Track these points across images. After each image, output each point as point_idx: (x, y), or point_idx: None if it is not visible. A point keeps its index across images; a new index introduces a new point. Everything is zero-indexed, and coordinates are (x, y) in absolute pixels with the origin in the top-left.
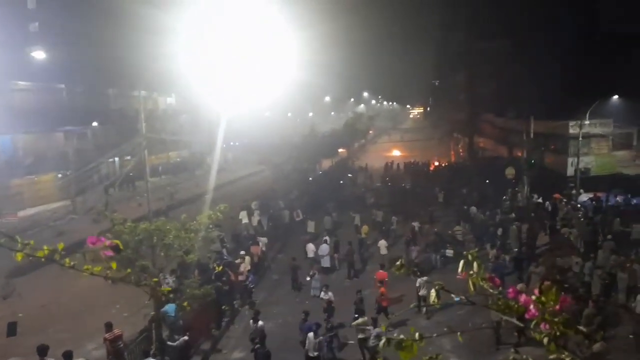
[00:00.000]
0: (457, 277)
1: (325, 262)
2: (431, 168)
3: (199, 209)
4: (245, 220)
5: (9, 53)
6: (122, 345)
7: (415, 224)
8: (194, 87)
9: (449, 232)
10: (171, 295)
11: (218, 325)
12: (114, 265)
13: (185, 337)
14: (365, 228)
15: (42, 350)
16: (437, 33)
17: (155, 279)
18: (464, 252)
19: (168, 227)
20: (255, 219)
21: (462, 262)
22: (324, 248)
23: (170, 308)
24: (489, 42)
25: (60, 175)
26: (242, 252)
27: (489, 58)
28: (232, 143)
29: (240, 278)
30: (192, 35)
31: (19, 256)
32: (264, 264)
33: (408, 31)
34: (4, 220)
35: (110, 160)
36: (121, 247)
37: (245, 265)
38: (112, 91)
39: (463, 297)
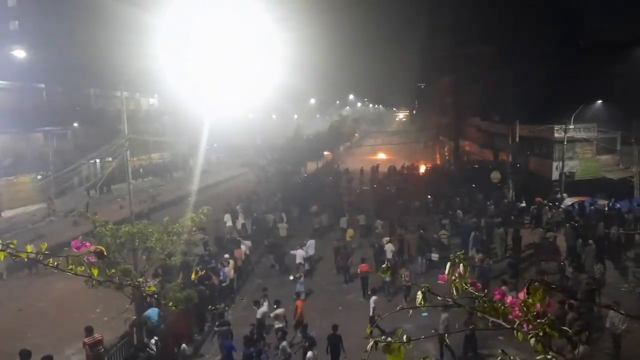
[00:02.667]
0: (439, 281)
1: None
2: (416, 172)
3: (182, 212)
4: (229, 224)
5: None
6: (102, 350)
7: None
8: (177, 88)
9: (435, 235)
10: (154, 298)
11: (200, 329)
12: (95, 272)
13: (155, 339)
14: (350, 232)
15: (25, 355)
16: (423, 37)
17: (140, 278)
18: (450, 256)
19: (150, 230)
20: (239, 222)
21: (448, 265)
22: (300, 253)
23: (152, 312)
24: (474, 47)
25: (39, 177)
26: (226, 256)
27: (474, 62)
28: (215, 145)
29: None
30: (175, 35)
31: (0, 255)
32: (248, 267)
33: (394, 34)
34: None
35: (91, 161)
36: (105, 253)
37: (229, 269)
38: (94, 91)
39: (449, 299)
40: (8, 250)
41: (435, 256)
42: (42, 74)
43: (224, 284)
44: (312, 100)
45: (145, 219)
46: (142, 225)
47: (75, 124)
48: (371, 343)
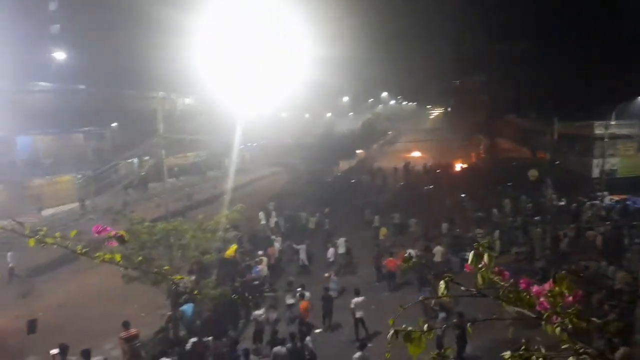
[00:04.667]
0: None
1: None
2: (451, 170)
3: (216, 210)
4: (263, 221)
5: (30, 54)
6: (138, 344)
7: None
8: (212, 87)
9: (470, 234)
10: (189, 294)
11: (235, 326)
12: (118, 257)
13: (195, 339)
14: (383, 230)
15: (64, 349)
16: (459, 33)
17: (180, 277)
18: (474, 245)
19: (185, 227)
20: (272, 220)
21: (471, 254)
22: (331, 251)
23: (187, 308)
24: (511, 42)
25: (79, 176)
26: (260, 253)
27: (511, 58)
28: (249, 144)
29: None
30: (209, 35)
31: (31, 242)
32: (281, 265)
33: (429, 30)
34: (25, 220)
35: (129, 160)
36: (126, 238)
37: (262, 266)
38: (131, 92)
39: (473, 289)
40: (37, 237)
41: (468, 255)
42: (82, 76)
43: (256, 282)
44: (345, 98)
45: (181, 217)
46: (177, 223)
47: (113, 124)
48: (391, 332)
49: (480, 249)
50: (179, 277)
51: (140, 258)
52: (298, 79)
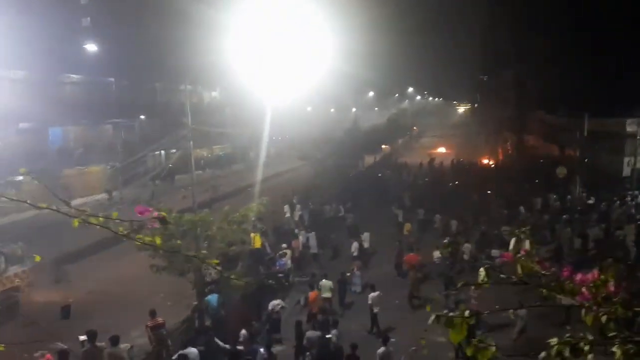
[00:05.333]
0: (497, 260)
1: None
2: (477, 166)
3: (242, 202)
4: (288, 215)
5: (62, 47)
6: (164, 332)
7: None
8: (238, 80)
9: (496, 232)
10: (212, 286)
11: (258, 317)
12: (158, 240)
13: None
14: (407, 226)
15: (92, 335)
16: (486, 27)
17: (216, 261)
18: (515, 231)
19: (211, 219)
20: (297, 214)
21: (513, 240)
22: (355, 245)
23: (212, 298)
24: (541, 37)
25: (108, 167)
26: (284, 246)
27: (540, 53)
28: (274, 137)
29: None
30: (236, 28)
31: (75, 222)
32: (305, 258)
33: (455, 25)
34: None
35: (156, 152)
36: (168, 219)
37: (287, 259)
38: (159, 85)
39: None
40: (82, 217)
41: (495, 252)
42: (112, 69)
43: (281, 275)
44: (371, 93)
45: (207, 209)
46: (204, 214)
47: (142, 117)
48: (432, 317)
49: (522, 235)
50: (215, 261)
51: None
52: (324, 73)
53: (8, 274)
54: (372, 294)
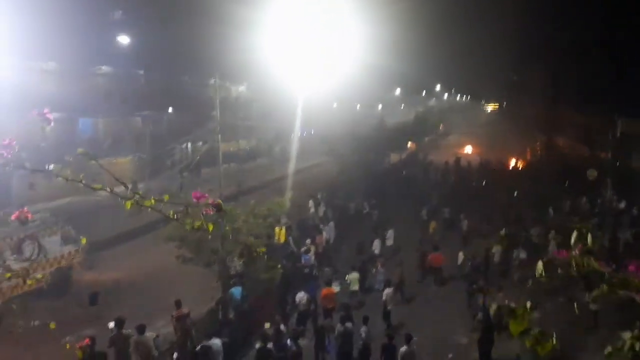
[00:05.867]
0: (549, 256)
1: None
2: (505, 166)
3: (267, 196)
4: (312, 210)
5: (94, 39)
6: (190, 323)
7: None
8: (265, 76)
9: (524, 233)
10: (237, 279)
11: (282, 311)
12: (210, 227)
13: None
14: (432, 224)
15: (120, 323)
16: (516, 24)
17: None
18: (577, 227)
19: (238, 212)
20: (321, 210)
21: (574, 234)
22: (376, 243)
23: (236, 291)
24: (572, 35)
25: (136, 158)
26: (308, 241)
27: (571, 52)
28: (299, 133)
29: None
30: (264, 23)
31: (127, 204)
32: (328, 254)
33: (485, 22)
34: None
35: (184, 145)
36: (222, 206)
37: (311, 255)
38: (187, 79)
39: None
40: (136, 198)
41: (523, 254)
42: (142, 61)
43: (306, 270)
44: (397, 91)
45: (233, 202)
46: (230, 207)
47: (170, 109)
48: (494, 306)
49: (584, 230)
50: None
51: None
52: (350, 69)
53: (62, 253)
54: (387, 290)
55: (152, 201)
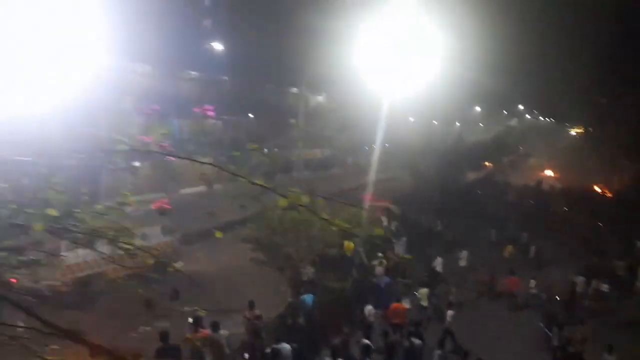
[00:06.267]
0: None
1: None
2: (589, 194)
3: (339, 207)
4: (385, 224)
5: (185, 45)
6: (261, 325)
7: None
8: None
9: (607, 264)
10: (308, 285)
11: (350, 322)
12: (378, 231)
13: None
14: (508, 248)
15: (197, 320)
16: (607, 46)
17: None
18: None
19: (313, 219)
20: (394, 224)
21: None
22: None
23: (308, 298)
24: None
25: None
26: (380, 255)
27: None
28: (373, 145)
29: (375, 281)
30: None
31: (283, 202)
32: (399, 268)
33: (574, 42)
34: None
35: (262, 151)
36: (394, 210)
37: (380, 269)
38: (269, 86)
39: None
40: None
41: (605, 287)
42: (226, 67)
43: (375, 283)
44: (477, 108)
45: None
46: (306, 214)
47: (250, 115)
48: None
49: None
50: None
51: None
52: (429, 85)
53: (160, 243)
54: (449, 312)
55: (320, 201)
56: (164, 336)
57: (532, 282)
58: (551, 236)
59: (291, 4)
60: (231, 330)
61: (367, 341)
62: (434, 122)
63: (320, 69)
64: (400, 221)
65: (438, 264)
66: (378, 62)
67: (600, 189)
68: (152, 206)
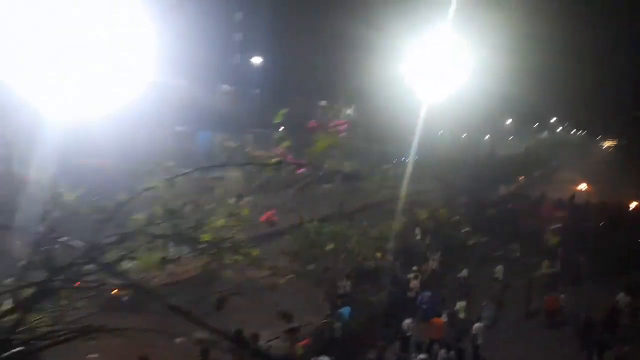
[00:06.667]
0: None
1: None
2: (625, 210)
3: (370, 220)
4: (419, 237)
5: (218, 60)
6: (298, 338)
7: None
8: (373, 99)
9: None
10: (345, 299)
11: (386, 336)
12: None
13: None
14: (546, 263)
15: (239, 334)
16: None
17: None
18: None
19: (351, 232)
20: (428, 237)
21: None
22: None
23: (345, 311)
24: None
25: (245, 173)
26: (415, 268)
27: None
28: (402, 158)
29: (410, 294)
30: (376, 48)
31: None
32: (435, 283)
33: (609, 54)
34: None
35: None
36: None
37: (416, 282)
38: (299, 99)
39: None
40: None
41: None
42: (258, 81)
43: (411, 296)
44: (509, 121)
45: (347, 221)
46: (344, 227)
47: (282, 128)
48: None
49: None
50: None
51: None
52: (460, 96)
53: None
54: (477, 324)
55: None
56: (204, 352)
57: (570, 299)
58: (588, 251)
59: (321, 18)
60: (269, 343)
61: (404, 354)
62: (464, 134)
63: (351, 81)
64: (433, 235)
65: (464, 274)
66: (408, 75)
67: (637, 202)
68: (260, 219)
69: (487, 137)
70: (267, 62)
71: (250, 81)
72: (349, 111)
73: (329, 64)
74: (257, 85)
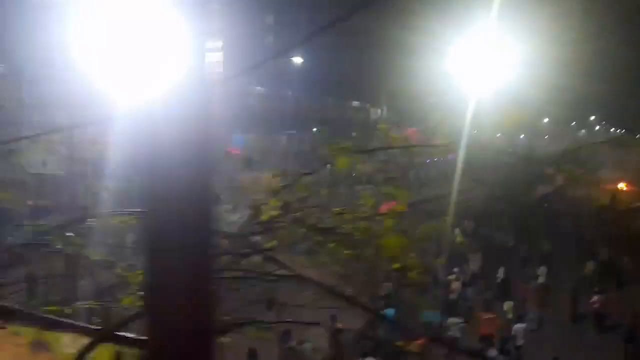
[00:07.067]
0: None
1: None
2: None
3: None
4: (459, 238)
5: (251, 61)
6: (343, 339)
7: None
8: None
9: None
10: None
11: (429, 335)
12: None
13: None
14: (589, 265)
15: (287, 335)
16: None
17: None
18: None
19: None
20: (467, 239)
21: None
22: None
23: (389, 312)
24: None
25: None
26: (456, 270)
27: None
28: (435, 159)
29: (452, 296)
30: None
31: None
32: (475, 283)
33: None
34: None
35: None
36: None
37: (457, 284)
38: (331, 100)
39: None
40: None
41: None
42: (290, 82)
43: (452, 298)
44: (546, 120)
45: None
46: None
47: (314, 129)
48: None
49: None
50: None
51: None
52: (493, 96)
53: None
54: (518, 325)
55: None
56: (252, 353)
57: (616, 302)
58: (632, 252)
59: (353, 20)
60: (314, 344)
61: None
62: (498, 134)
63: (382, 83)
64: (473, 236)
65: (501, 273)
66: (442, 75)
67: None
68: (379, 209)
69: (522, 136)
70: (303, 63)
71: (282, 82)
72: (379, 111)
73: (361, 66)
74: (291, 86)
